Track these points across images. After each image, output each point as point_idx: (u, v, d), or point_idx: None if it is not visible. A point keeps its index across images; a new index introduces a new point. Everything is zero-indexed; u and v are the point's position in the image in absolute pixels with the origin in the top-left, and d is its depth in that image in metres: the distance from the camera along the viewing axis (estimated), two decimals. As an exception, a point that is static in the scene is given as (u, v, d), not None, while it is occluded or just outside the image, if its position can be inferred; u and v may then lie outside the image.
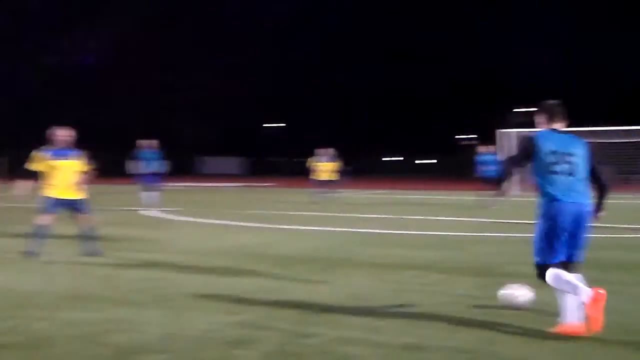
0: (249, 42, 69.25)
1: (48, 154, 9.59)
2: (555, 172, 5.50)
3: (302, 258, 9.81)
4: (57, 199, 9.54)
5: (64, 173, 9.60)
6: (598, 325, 5.22)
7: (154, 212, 18.06)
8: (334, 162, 23.83)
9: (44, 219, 9.49)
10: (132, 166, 20.62)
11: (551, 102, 5.81)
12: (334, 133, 67.64)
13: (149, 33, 63.87)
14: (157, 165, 20.55)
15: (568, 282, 5.38)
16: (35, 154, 9.66)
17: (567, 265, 5.53)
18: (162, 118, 64.89)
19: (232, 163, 75.60)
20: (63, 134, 9.71)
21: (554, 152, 5.52)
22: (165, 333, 5.42)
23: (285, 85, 71.76)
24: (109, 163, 31.63)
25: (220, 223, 15.28)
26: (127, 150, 22.13)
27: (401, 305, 6.51)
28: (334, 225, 14.69)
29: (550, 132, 5.69)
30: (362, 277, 8.17)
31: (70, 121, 11.33)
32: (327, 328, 5.62)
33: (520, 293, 6.29)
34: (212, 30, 69.04)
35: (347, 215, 17.80)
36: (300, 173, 27.03)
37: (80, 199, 9.78)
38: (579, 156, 5.59)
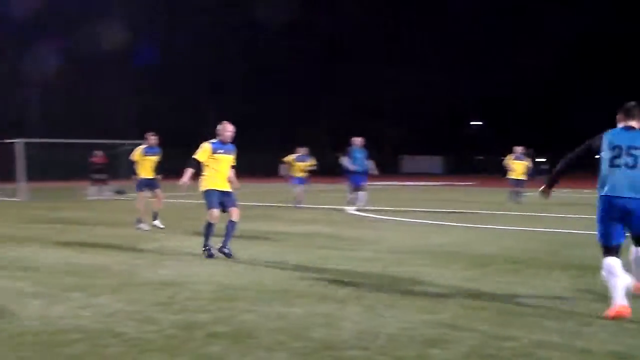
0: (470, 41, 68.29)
1: (213, 147, 10.02)
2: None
3: (502, 258, 9.54)
4: (216, 191, 9.93)
5: (222, 166, 10.05)
6: None
7: (356, 211, 18.45)
8: (525, 160, 22.95)
9: (213, 216, 9.86)
10: (346, 164, 20.45)
11: (629, 103, 6.33)
12: (535, 130, 65.12)
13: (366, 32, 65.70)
14: (365, 164, 20.52)
15: None
16: (203, 145, 10.10)
17: None
18: (369, 117, 66.19)
19: (432, 162, 75.13)
20: (231, 129, 10.16)
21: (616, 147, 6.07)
22: (362, 330, 5.51)
23: (486, 84, 70.03)
24: (326, 163, 32.66)
25: (420, 222, 15.26)
26: (338, 150, 22.43)
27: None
28: (533, 225, 14.16)
29: (621, 129, 6.25)
30: (565, 280, 7.78)
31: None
32: (526, 331, 5.41)
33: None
34: (434, 27, 68.91)
35: (545, 215, 17.05)
36: (499, 172, 26.21)
37: (231, 192, 10.13)
38: None
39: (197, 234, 12.84)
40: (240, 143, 10.84)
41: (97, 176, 27.42)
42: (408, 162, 75.87)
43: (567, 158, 6.54)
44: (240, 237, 12.30)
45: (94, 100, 60.47)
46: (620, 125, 6.30)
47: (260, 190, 29.94)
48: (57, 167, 38.15)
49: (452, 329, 5.52)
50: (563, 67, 66.55)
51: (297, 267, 8.78)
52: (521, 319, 5.85)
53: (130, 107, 62.16)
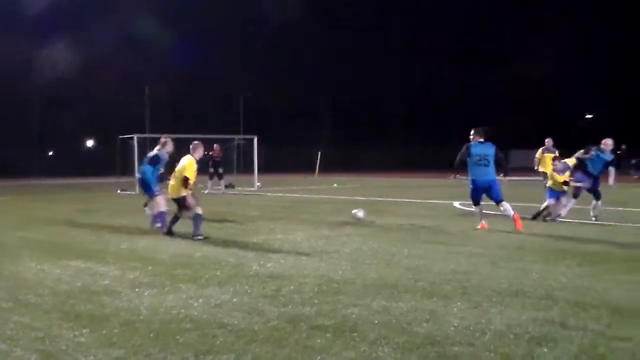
0: None
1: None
2: None
3: (616, 255, 9.15)
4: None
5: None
6: None
7: (465, 206, 18.16)
8: (554, 152, 20.22)
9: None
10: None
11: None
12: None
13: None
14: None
15: None
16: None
17: None
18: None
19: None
20: None
21: None
22: (467, 326, 5.42)
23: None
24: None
25: (529, 217, 14.83)
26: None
27: None
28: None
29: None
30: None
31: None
32: (643, 332, 5.18)
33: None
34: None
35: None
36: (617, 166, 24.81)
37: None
38: None
39: (302, 228, 13.01)
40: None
41: (214, 170, 28.02)
42: (517, 155, 73.83)
43: None
44: (344, 230, 12.38)
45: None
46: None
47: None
48: (173, 162, 39.67)
49: (562, 327, 5.34)
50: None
51: (401, 262, 8.73)
52: (636, 319, 5.58)
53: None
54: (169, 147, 13.64)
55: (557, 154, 20.04)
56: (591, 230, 12.29)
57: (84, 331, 5.40)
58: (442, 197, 21.99)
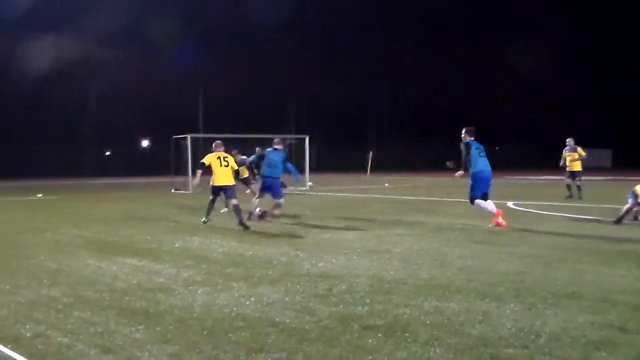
0: None
1: None
2: None
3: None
4: None
5: None
6: None
7: (518, 206, 17.91)
8: (574, 151, 21.42)
9: None
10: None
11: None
12: None
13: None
14: None
15: None
16: None
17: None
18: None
19: (601, 155, 71.21)
20: None
21: None
22: (522, 328, 5.33)
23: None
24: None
25: (585, 218, 14.56)
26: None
27: None
28: None
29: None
30: None
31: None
32: None
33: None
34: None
35: None
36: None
37: None
38: None
39: (353, 227, 13.02)
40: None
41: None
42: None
43: None
44: (396, 229, 12.33)
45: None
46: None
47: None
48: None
49: (621, 331, 5.21)
50: None
51: (453, 262, 8.65)
52: (699, 324, 5.42)
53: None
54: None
55: (579, 151, 21.17)
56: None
57: (140, 327, 5.50)
58: (494, 197, 21.70)
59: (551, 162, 24.42)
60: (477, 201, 13.19)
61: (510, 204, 18.49)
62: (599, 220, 13.96)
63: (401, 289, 6.96)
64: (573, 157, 21.34)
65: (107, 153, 63.32)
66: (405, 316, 5.78)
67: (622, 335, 5.12)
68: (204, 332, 5.33)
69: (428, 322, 5.55)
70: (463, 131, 13.49)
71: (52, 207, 20.65)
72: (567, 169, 21.38)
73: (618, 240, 10.75)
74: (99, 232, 12.80)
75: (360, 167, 52.16)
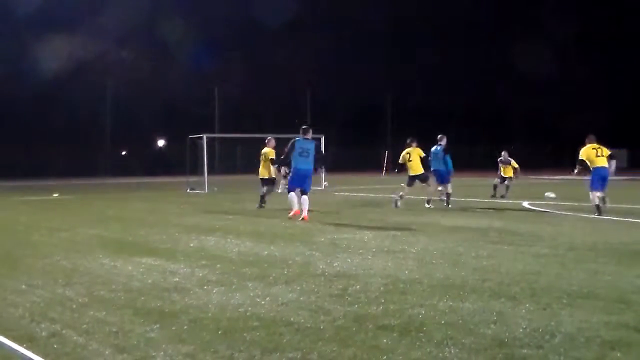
0: None
1: None
2: None
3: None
4: None
5: None
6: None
7: (532, 206, 17.84)
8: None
9: None
10: None
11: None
12: None
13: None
14: None
15: None
16: None
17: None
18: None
19: (617, 155, 70.71)
20: None
21: None
22: (536, 328, 5.31)
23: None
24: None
25: (601, 218, 14.46)
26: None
27: None
28: None
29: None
30: None
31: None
32: None
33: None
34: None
35: None
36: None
37: None
38: None
39: (368, 227, 13.01)
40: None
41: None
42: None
43: None
44: (410, 229, 12.31)
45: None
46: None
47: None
48: (244, 160, 40.20)
49: (636, 332, 5.18)
50: None
51: (468, 262, 8.63)
52: None
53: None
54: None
55: (513, 164, 22.92)
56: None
57: (155, 327, 5.53)
58: (509, 196, 21.63)
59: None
60: (291, 194, 14.97)
61: (525, 203, 18.42)
62: (614, 219, 13.86)
63: (416, 288, 6.95)
64: (506, 169, 22.87)
65: (123, 153, 63.65)
66: (420, 316, 5.77)
67: (637, 335, 5.09)
68: (219, 332, 5.35)
69: (443, 322, 5.54)
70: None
71: (68, 207, 20.81)
72: (501, 173, 22.86)
73: (633, 241, 10.68)
74: (115, 231, 12.88)
75: (376, 167, 52.09)
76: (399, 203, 17.79)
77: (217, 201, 21.70)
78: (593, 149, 15.33)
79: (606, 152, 15.37)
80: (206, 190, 27.52)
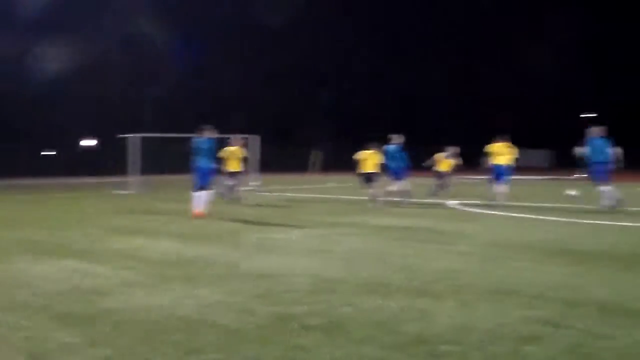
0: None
1: None
2: None
3: (607, 255, 9.16)
4: None
5: None
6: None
7: (460, 205, 18.19)
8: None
9: None
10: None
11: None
12: None
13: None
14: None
15: None
16: None
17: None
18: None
19: (539, 155, 72.80)
20: None
21: None
22: (457, 325, 5.42)
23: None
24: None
25: (522, 216, 14.90)
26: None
27: None
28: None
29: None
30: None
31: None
32: (628, 331, 5.18)
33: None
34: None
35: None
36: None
37: None
38: None
39: (296, 227, 13.02)
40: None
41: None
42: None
43: None
44: (339, 229, 12.38)
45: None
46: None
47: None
48: (173, 160, 39.67)
49: (550, 326, 5.34)
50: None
51: (395, 261, 8.73)
52: (624, 319, 5.58)
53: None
54: None
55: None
56: (583, 230, 12.33)
57: (73, 331, 5.39)
58: (442, 195, 22.02)
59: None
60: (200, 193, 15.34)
61: (450, 202, 18.76)
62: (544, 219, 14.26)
63: (341, 288, 6.99)
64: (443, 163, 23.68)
65: (47, 153, 61.87)
66: (345, 315, 5.80)
67: (550, 329, 5.25)
68: (141, 335, 5.25)
69: (367, 321, 5.59)
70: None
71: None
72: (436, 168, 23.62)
73: (554, 239, 11.01)
74: (36, 233, 12.48)
75: (307, 167, 52.21)
76: (379, 204, 18.24)
77: (143, 202, 21.35)
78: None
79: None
80: (134, 191, 27.08)
